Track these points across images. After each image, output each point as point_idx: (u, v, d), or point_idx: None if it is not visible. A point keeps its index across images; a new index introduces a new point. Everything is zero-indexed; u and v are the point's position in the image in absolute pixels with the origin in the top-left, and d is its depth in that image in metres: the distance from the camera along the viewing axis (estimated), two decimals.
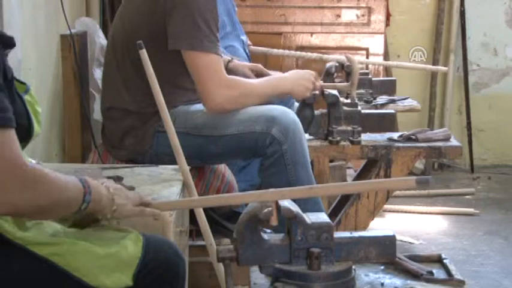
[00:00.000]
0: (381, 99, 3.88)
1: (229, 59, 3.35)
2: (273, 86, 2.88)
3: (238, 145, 2.70)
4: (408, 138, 3.14)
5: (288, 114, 2.73)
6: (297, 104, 3.24)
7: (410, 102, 4.01)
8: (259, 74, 3.28)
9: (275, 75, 3.12)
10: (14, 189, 1.44)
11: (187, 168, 2.32)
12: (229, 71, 3.21)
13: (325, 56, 4.11)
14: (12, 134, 1.46)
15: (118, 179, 2.30)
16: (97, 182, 1.66)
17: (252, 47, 4.03)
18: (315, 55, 4.17)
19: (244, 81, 2.82)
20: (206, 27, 2.65)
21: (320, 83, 3.12)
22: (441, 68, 5.03)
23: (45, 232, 1.59)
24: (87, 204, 1.59)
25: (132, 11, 2.83)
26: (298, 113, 2.97)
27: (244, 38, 3.90)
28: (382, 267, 1.77)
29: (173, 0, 2.66)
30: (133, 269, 1.64)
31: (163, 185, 2.24)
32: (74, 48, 3.31)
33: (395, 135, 3.19)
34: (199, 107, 2.80)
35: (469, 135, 5.60)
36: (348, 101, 3.20)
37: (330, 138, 3.07)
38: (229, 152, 2.73)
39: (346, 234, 1.63)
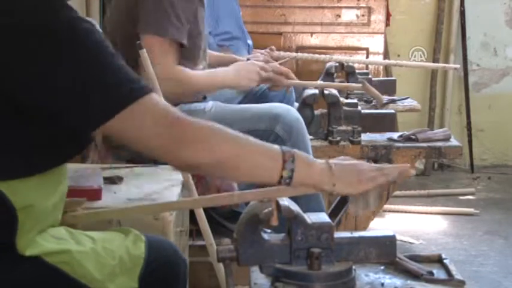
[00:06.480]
0: None
1: (244, 59, 3.35)
2: (212, 78, 2.84)
3: None
4: (408, 138, 3.14)
5: (292, 112, 2.73)
6: (296, 104, 3.24)
7: (410, 102, 4.01)
8: None
9: (218, 68, 3.08)
10: (176, 146, 1.52)
11: None
12: None
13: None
14: (155, 96, 1.52)
15: (118, 179, 2.30)
16: (319, 161, 1.62)
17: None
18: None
19: (186, 70, 2.77)
20: (173, 14, 2.63)
21: (275, 64, 3.11)
22: (452, 65, 5.03)
23: (51, 238, 1.57)
24: (291, 173, 1.57)
25: (112, 12, 2.85)
26: (298, 112, 2.97)
27: (250, 42, 3.91)
28: (382, 268, 1.77)
29: None
30: (138, 270, 1.64)
31: (164, 185, 2.24)
32: None
33: (395, 135, 3.19)
34: (200, 106, 2.80)
35: (469, 135, 5.59)
36: (348, 101, 3.20)
37: (330, 138, 3.07)
38: None
39: (347, 234, 1.63)
